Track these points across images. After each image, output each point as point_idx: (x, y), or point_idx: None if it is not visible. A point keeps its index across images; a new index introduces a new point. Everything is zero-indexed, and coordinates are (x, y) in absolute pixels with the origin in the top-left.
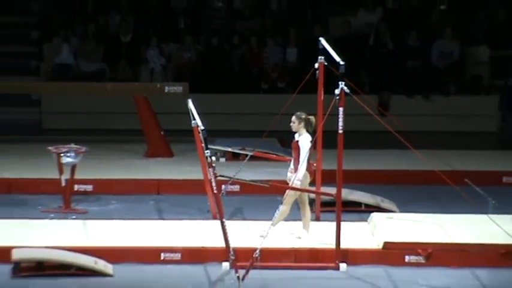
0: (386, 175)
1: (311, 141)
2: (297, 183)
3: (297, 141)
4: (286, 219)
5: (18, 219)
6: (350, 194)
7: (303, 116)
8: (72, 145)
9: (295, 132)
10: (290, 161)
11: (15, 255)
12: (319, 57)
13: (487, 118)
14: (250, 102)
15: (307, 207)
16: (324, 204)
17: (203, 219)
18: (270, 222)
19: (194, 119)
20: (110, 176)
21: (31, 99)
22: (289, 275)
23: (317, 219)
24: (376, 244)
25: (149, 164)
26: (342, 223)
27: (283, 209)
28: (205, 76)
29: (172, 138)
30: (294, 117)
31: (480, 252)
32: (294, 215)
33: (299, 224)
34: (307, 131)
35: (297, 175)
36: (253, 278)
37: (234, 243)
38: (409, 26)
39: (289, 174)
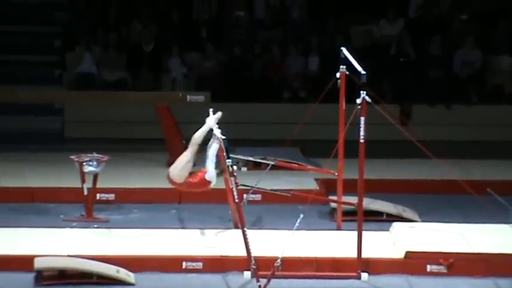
0: (408, 184)
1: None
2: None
3: None
4: (308, 229)
5: (41, 228)
6: (372, 204)
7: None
8: (95, 154)
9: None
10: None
11: (38, 263)
12: (341, 67)
13: (509, 127)
14: (272, 111)
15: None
16: (346, 213)
17: (225, 228)
18: (291, 232)
19: (217, 128)
20: (131, 185)
21: (54, 108)
22: (310, 285)
23: (338, 228)
24: (397, 253)
25: None
26: (364, 232)
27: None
28: (226, 85)
29: None
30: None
31: (502, 262)
32: (317, 224)
33: (321, 233)
34: None
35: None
36: (274, 287)
37: (255, 252)
38: (431, 35)
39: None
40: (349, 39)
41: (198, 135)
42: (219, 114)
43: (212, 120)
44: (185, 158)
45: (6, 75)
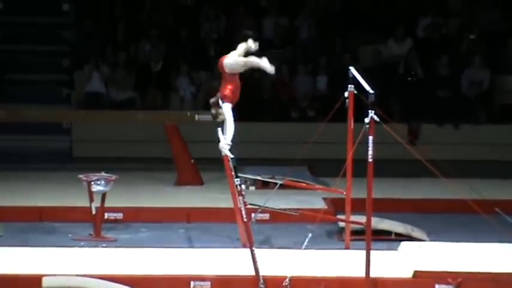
0: (416, 204)
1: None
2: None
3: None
4: (317, 249)
5: (49, 247)
6: (380, 223)
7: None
8: (103, 173)
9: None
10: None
11: (46, 283)
12: (349, 86)
13: None
14: (280, 130)
15: None
16: (354, 232)
17: (233, 247)
18: (299, 251)
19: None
20: (140, 204)
21: (62, 128)
22: None
23: (347, 247)
24: (406, 273)
25: (179, 192)
26: (372, 252)
27: None
28: (235, 104)
29: (202, 167)
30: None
31: (511, 281)
32: (326, 243)
33: (329, 253)
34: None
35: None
36: None
37: (263, 272)
38: (439, 55)
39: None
40: (357, 58)
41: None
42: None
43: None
44: (240, 64)
45: (15, 94)
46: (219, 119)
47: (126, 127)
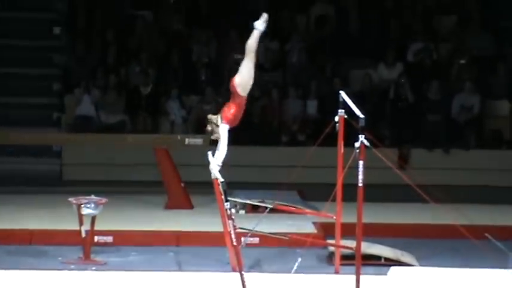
0: (406, 229)
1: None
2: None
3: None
4: (306, 273)
5: (39, 270)
6: (370, 248)
7: (213, 121)
8: (93, 196)
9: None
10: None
11: None
12: (339, 110)
13: (507, 172)
14: (270, 154)
15: None
16: (344, 257)
17: (222, 271)
18: (289, 275)
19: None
20: (129, 228)
21: (52, 151)
22: None
23: (336, 272)
24: None
25: (169, 216)
26: (362, 277)
27: None
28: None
29: (192, 190)
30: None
31: None
32: (315, 268)
33: (319, 277)
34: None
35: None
36: None
37: None
38: (430, 79)
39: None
40: (347, 83)
41: (251, 42)
42: (265, 16)
43: (260, 23)
44: (247, 67)
45: (5, 117)
46: (214, 137)
47: (116, 150)
